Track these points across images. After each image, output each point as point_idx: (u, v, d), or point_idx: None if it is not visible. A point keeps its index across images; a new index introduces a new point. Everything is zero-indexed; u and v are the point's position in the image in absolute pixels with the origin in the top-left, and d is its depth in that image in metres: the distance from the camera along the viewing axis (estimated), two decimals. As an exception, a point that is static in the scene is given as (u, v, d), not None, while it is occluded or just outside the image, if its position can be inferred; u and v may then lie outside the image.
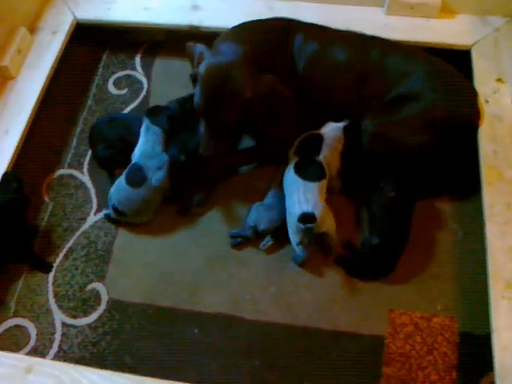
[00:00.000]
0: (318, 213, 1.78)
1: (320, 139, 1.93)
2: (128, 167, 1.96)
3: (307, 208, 1.79)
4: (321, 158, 1.91)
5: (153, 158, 1.95)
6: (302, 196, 1.81)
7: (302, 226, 1.77)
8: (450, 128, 1.87)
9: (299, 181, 1.86)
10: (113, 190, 1.96)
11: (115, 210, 1.94)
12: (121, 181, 1.94)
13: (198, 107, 1.81)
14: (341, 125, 1.95)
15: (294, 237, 1.83)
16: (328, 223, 1.83)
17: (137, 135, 2.04)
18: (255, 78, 1.75)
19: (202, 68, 1.79)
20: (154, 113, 2.04)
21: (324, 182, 1.88)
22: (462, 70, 2.00)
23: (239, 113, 1.77)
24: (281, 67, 1.90)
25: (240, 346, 1.77)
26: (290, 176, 1.89)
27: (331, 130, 1.95)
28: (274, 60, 1.89)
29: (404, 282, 1.85)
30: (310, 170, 1.88)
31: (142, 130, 2.01)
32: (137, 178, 1.92)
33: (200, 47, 1.86)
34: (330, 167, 1.93)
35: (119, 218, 1.97)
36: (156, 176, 1.92)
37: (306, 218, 1.78)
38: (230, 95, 1.75)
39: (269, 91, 1.76)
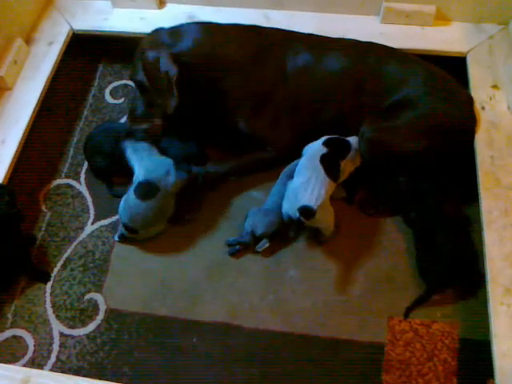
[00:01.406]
0: (319, 212, 1.78)
1: (348, 147, 1.91)
2: (135, 186, 1.90)
3: (314, 203, 1.77)
4: (342, 163, 1.89)
5: (157, 167, 1.93)
6: (317, 189, 1.79)
7: (297, 215, 1.79)
8: (447, 134, 1.88)
9: (323, 173, 1.83)
10: (121, 209, 1.91)
11: (127, 228, 1.91)
12: (129, 198, 1.90)
13: None
14: None
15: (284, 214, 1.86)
16: (327, 220, 1.85)
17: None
18: (154, 42, 1.92)
19: None
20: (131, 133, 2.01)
21: (335, 185, 1.89)
22: (457, 77, 2.01)
23: (142, 71, 1.90)
24: (251, 74, 1.95)
25: (239, 355, 1.76)
26: (315, 163, 1.86)
27: (356, 143, 1.93)
28: (233, 60, 1.93)
29: (403, 289, 1.85)
30: (333, 167, 1.87)
31: (130, 154, 1.98)
32: (149, 191, 1.87)
33: None
34: (343, 174, 1.92)
35: (133, 236, 1.94)
36: (168, 182, 1.90)
37: (307, 211, 1.77)
38: (137, 52, 1.95)
39: (149, 57, 1.87)
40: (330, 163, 1.87)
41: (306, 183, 1.83)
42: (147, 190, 1.88)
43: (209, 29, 1.96)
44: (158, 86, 1.88)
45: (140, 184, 1.90)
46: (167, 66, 1.85)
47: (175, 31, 1.93)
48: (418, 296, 1.80)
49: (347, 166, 1.92)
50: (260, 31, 2.02)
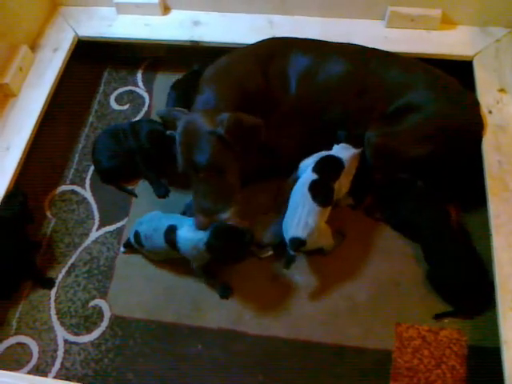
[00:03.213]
0: (310, 240, 1.75)
1: (341, 166, 1.87)
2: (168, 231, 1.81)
3: (302, 234, 1.75)
4: (336, 185, 1.86)
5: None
6: (303, 217, 1.76)
7: (289, 248, 1.77)
8: (453, 138, 1.86)
9: (309, 199, 1.79)
10: (144, 240, 1.86)
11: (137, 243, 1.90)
12: (156, 236, 1.82)
13: (183, 169, 1.79)
14: (356, 151, 1.91)
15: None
16: (321, 243, 1.84)
17: (135, 139, 2.08)
18: (216, 118, 1.73)
19: (178, 131, 1.80)
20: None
21: (329, 209, 1.84)
22: (464, 80, 1.99)
23: (216, 149, 1.73)
24: (263, 92, 1.92)
25: (244, 362, 1.75)
26: (303, 190, 1.82)
27: (349, 156, 1.89)
28: (249, 89, 1.90)
29: (410, 295, 1.83)
30: (323, 194, 1.82)
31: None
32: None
33: (177, 113, 1.87)
34: (340, 191, 1.89)
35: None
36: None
37: (296, 242, 1.75)
38: (199, 138, 1.73)
39: (232, 124, 1.72)
40: (319, 190, 1.82)
41: (293, 213, 1.80)
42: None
43: (216, 77, 1.94)
44: (246, 143, 1.77)
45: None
46: (250, 119, 1.78)
47: (204, 97, 1.88)
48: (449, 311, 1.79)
49: (344, 181, 1.89)
50: (255, 48, 2.01)
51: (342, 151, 1.91)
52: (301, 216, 1.77)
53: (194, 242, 1.74)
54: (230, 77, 1.93)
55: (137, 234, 1.88)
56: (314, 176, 1.85)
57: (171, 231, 1.79)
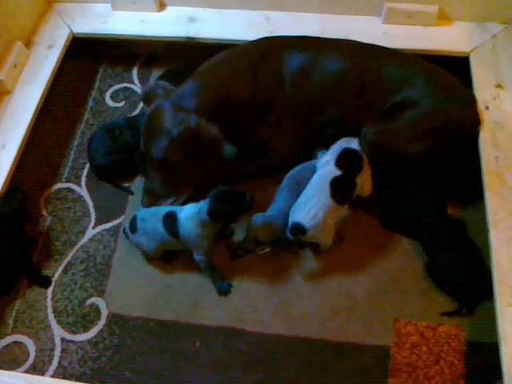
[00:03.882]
0: (311, 231, 1.76)
1: (361, 158, 1.86)
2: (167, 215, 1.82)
3: (307, 222, 1.75)
4: (358, 179, 1.85)
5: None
6: (314, 209, 1.76)
7: (288, 231, 1.80)
8: (450, 134, 1.86)
9: (327, 196, 1.78)
10: (139, 223, 1.84)
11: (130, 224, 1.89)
12: (153, 220, 1.82)
13: (142, 147, 1.91)
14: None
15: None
16: (321, 238, 1.83)
17: (131, 135, 2.08)
18: (178, 117, 1.80)
19: (147, 111, 1.91)
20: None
21: (344, 208, 1.85)
22: (460, 76, 1.99)
23: (168, 150, 1.81)
24: (252, 92, 1.92)
25: (243, 359, 1.74)
26: (323, 184, 1.81)
27: (359, 147, 1.88)
28: (236, 88, 1.90)
29: (408, 291, 1.83)
30: (343, 191, 1.82)
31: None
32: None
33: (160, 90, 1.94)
34: (363, 187, 1.88)
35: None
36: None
37: (296, 228, 1.76)
38: (157, 131, 1.83)
39: (187, 130, 1.78)
40: (340, 187, 1.81)
41: (307, 201, 1.80)
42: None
43: (205, 71, 1.95)
44: (201, 153, 1.83)
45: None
46: (210, 131, 1.80)
47: (179, 102, 1.87)
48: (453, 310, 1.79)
49: (366, 175, 1.88)
50: (249, 48, 2.00)
51: (350, 144, 1.90)
52: (313, 207, 1.77)
53: (195, 216, 1.75)
54: (218, 74, 1.93)
55: (134, 218, 1.87)
56: (337, 172, 1.84)
57: (171, 216, 1.80)
